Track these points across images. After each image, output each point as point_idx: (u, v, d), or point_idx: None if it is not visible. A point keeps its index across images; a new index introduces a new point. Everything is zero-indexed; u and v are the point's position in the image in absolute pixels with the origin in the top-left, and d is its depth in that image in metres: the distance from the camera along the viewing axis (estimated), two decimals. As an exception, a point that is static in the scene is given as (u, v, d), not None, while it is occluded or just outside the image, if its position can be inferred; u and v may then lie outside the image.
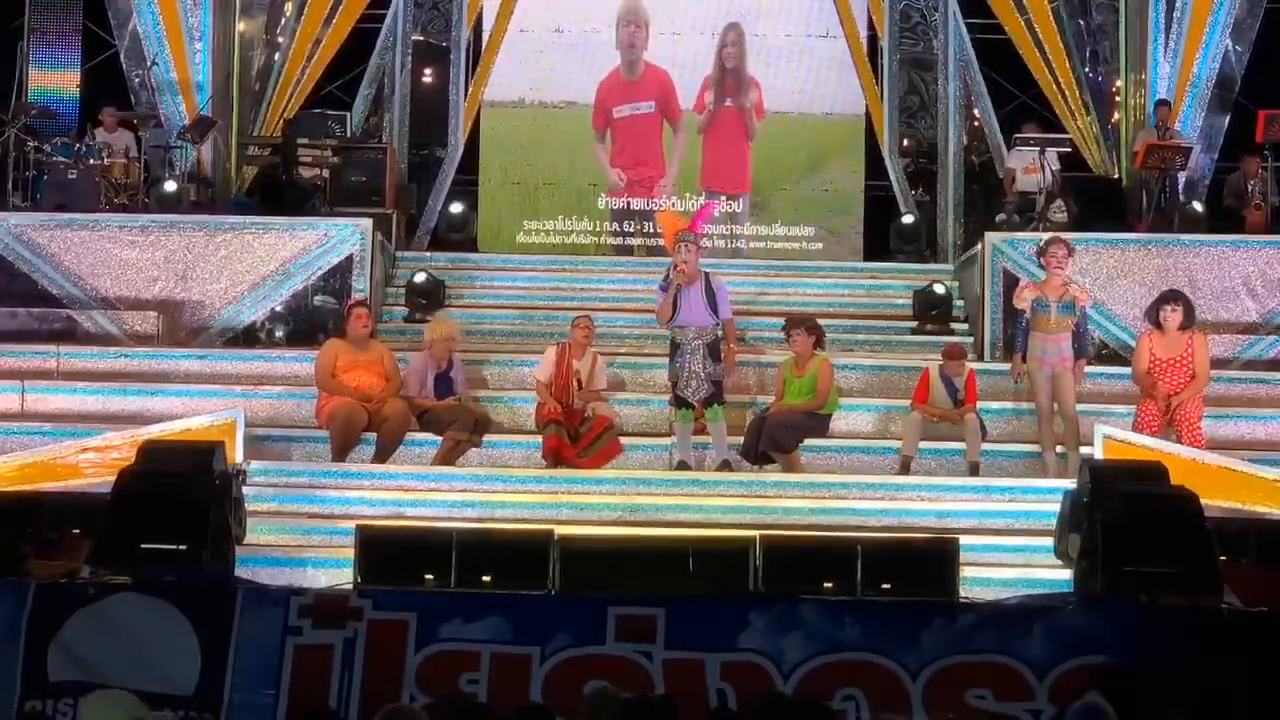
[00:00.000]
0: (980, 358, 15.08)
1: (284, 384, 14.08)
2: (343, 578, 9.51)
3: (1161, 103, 17.85)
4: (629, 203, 19.68)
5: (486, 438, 13.33)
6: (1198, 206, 16.96)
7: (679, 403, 12.91)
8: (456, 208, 18.74)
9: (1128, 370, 13.69)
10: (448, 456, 12.93)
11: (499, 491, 12.31)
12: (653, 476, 12.68)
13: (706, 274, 13.20)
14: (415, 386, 13.24)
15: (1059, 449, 12.88)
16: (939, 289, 15.98)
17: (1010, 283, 15.22)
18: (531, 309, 16.03)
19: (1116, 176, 18.64)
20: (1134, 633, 8.65)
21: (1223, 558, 9.58)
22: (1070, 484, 10.79)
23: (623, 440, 13.19)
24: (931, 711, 8.41)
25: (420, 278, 15.86)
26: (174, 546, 9.22)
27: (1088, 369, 13.40)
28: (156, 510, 9.37)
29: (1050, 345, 12.96)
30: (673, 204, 19.20)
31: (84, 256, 15.40)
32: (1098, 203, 17.03)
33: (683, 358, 12.93)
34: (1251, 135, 17.29)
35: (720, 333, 13.06)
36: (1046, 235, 14.44)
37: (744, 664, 8.53)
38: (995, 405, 13.72)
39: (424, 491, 12.25)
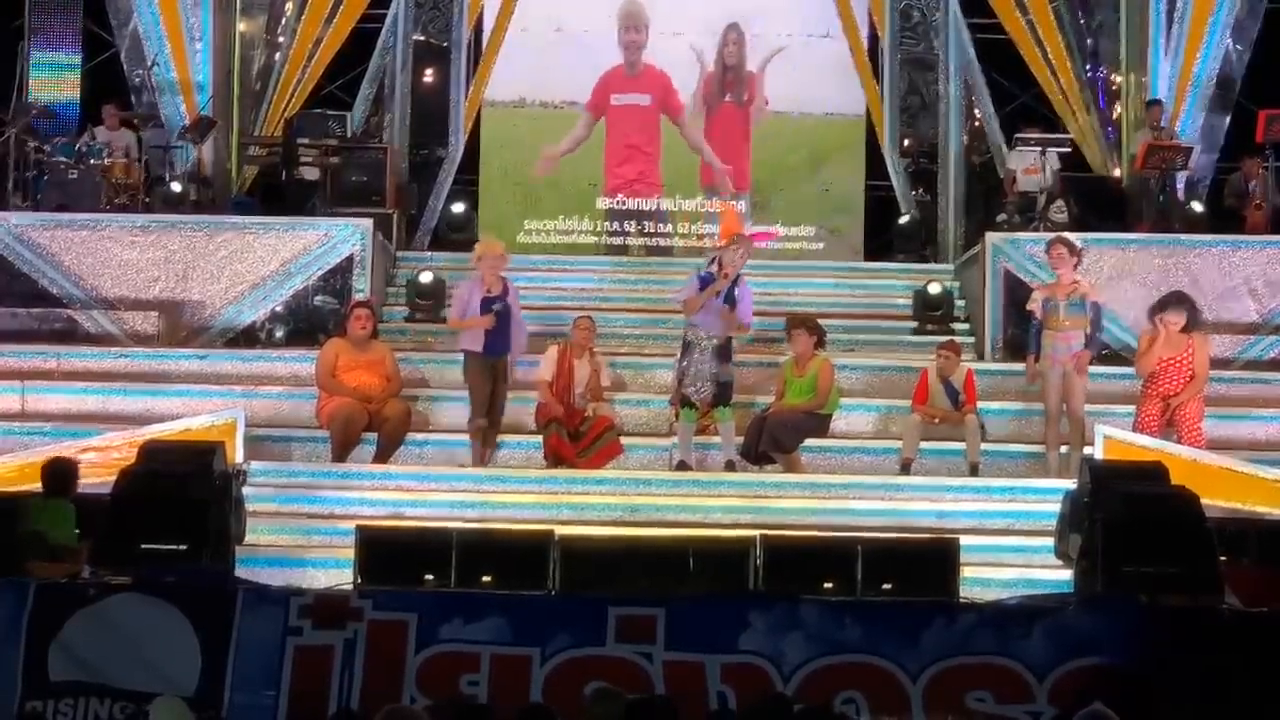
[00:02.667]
0: (980, 358, 15.09)
1: (284, 384, 14.08)
2: (343, 578, 9.50)
3: (1153, 102, 17.85)
4: (627, 201, 19.69)
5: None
6: (1197, 207, 16.96)
7: (684, 402, 12.89)
8: (457, 208, 18.74)
9: (1128, 370, 13.70)
10: (482, 456, 12.99)
11: (499, 491, 12.31)
12: (653, 477, 12.69)
13: (737, 275, 13.18)
14: (457, 311, 13.23)
15: (1063, 449, 12.88)
16: (939, 289, 15.98)
17: (1011, 283, 15.26)
18: (531, 309, 15.99)
19: (1117, 176, 18.64)
20: (1134, 633, 8.65)
21: (1223, 558, 9.57)
22: (1070, 484, 10.80)
23: (623, 440, 13.20)
24: (931, 713, 8.41)
25: (427, 277, 15.85)
26: (174, 546, 9.21)
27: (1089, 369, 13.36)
28: (156, 510, 9.36)
29: (1061, 344, 12.95)
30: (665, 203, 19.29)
31: (84, 256, 15.40)
32: (1098, 203, 17.03)
33: (691, 357, 12.92)
34: (1252, 135, 17.28)
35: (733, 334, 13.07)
36: (1048, 235, 14.45)
37: (744, 665, 8.53)
38: (995, 405, 13.72)
39: (424, 491, 12.25)
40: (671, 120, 19.88)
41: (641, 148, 19.91)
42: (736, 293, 13.04)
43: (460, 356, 13.30)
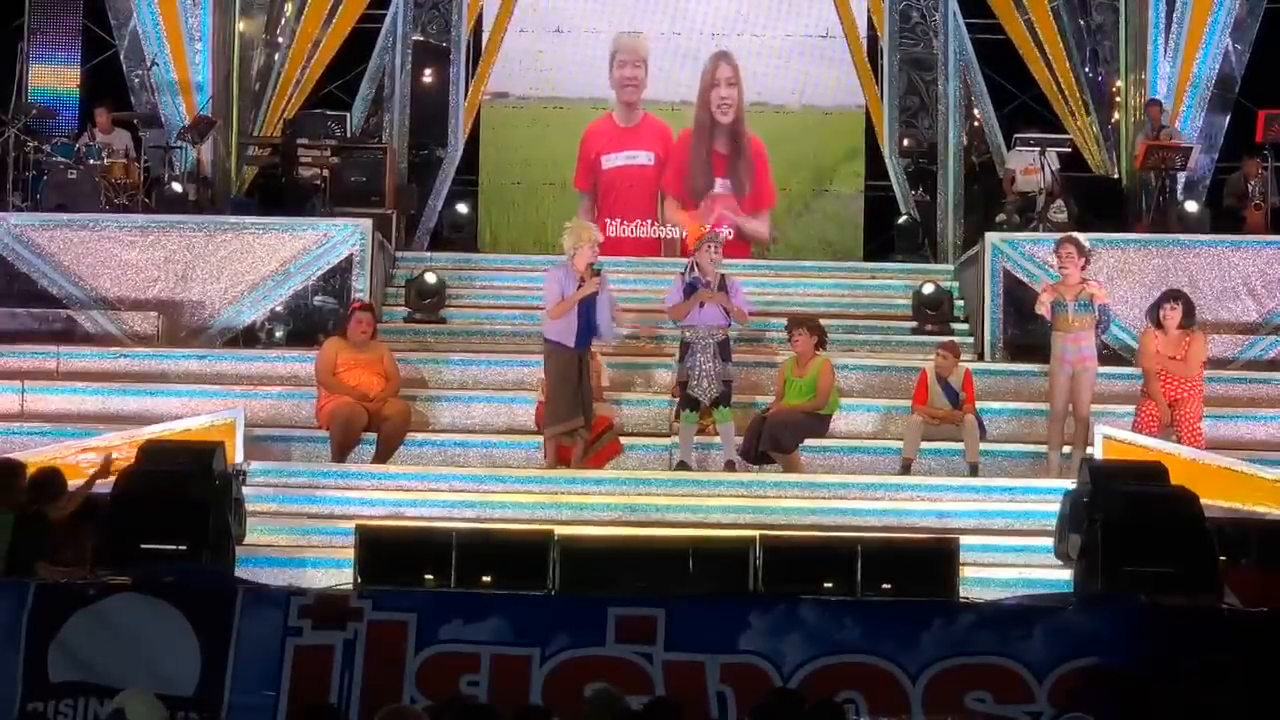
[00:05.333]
0: (980, 358, 15.09)
1: (284, 384, 14.08)
2: (343, 578, 9.51)
3: (1152, 102, 17.86)
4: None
5: (484, 437, 13.37)
6: (1191, 206, 16.94)
7: (687, 402, 12.89)
8: (457, 208, 18.74)
9: (1128, 370, 13.74)
10: (586, 458, 12.79)
11: (499, 491, 12.31)
12: (653, 477, 12.68)
13: (722, 274, 13.20)
14: (553, 300, 12.59)
15: (1065, 449, 12.88)
16: (939, 289, 15.98)
17: (1011, 283, 15.28)
18: (531, 309, 15.98)
19: (1116, 176, 18.65)
20: (1134, 633, 8.64)
21: (1223, 558, 9.58)
22: (1070, 484, 10.80)
23: (623, 440, 13.20)
24: (931, 713, 8.41)
25: (431, 278, 15.84)
26: (174, 546, 9.23)
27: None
28: (156, 510, 9.38)
29: (1070, 344, 12.93)
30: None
31: (84, 256, 15.40)
32: (1098, 203, 17.03)
33: (694, 357, 12.91)
34: (1252, 135, 17.28)
35: (732, 332, 13.06)
36: (1048, 235, 14.44)
37: (744, 665, 8.52)
38: (995, 405, 13.72)
39: (424, 491, 12.25)
40: (665, 192, 19.40)
41: (638, 212, 19.47)
42: (729, 289, 13.06)
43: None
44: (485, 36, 19.89)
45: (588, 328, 12.58)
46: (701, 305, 12.96)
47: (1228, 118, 18.45)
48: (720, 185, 19.40)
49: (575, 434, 12.62)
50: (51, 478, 9.99)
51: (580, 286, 12.58)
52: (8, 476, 9.96)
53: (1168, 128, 17.62)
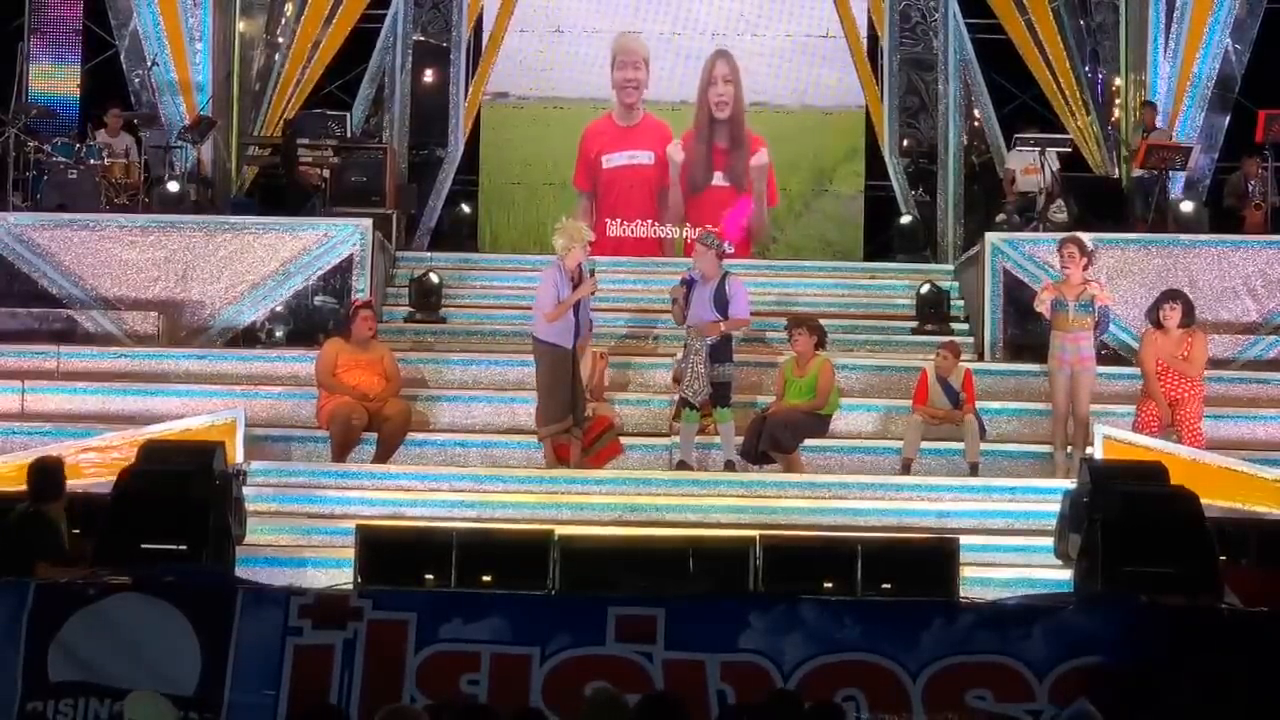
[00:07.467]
0: (980, 358, 15.09)
1: (284, 384, 14.09)
2: (343, 578, 9.51)
3: (1147, 104, 17.87)
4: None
5: (484, 437, 13.36)
6: (1187, 206, 16.93)
7: (686, 402, 12.89)
8: (458, 208, 18.72)
9: (1127, 370, 13.74)
10: (586, 457, 12.81)
11: (499, 491, 12.32)
12: (653, 476, 12.70)
13: (725, 274, 13.17)
14: (550, 302, 12.63)
15: (1069, 448, 12.88)
16: (939, 289, 15.98)
17: (1011, 283, 15.28)
18: (531, 309, 15.99)
19: (1116, 176, 18.65)
20: (1134, 633, 8.65)
21: (1223, 558, 9.58)
22: (1070, 484, 10.79)
23: (623, 440, 13.20)
24: (931, 712, 8.41)
25: (435, 278, 15.84)
26: (174, 546, 9.22)
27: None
28: (156, 510, 9.36)
29: (1069, 344, 12.96)
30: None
31: (84, 256, 15.40)
32: (1098, 203, 17.02)
33: (688, 358, 12.92)
34: (1252, 135, 17.28)
35: (733, 334, 13.06)
36: (1048, 235, 14.43)
37: (744, 664, 8.53)
38: (995, 405, 13.72)
39: (424, 491, 12.26)
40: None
41: (638, 212, 19.55)
42: (728, 290, 13.02)
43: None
44: (485, 36, 19.89)
45: (578, 327, 12.67)
46: (682, 301, 12.92)
47: (1228, 118, 18.46)
48: (719, 178, 19.43)
49: (570, 432, 12.63)
50: (53, 476, 9.99)
51: (575, 286, 12.58)
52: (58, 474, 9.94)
53: (1161, 129, 17.62)
